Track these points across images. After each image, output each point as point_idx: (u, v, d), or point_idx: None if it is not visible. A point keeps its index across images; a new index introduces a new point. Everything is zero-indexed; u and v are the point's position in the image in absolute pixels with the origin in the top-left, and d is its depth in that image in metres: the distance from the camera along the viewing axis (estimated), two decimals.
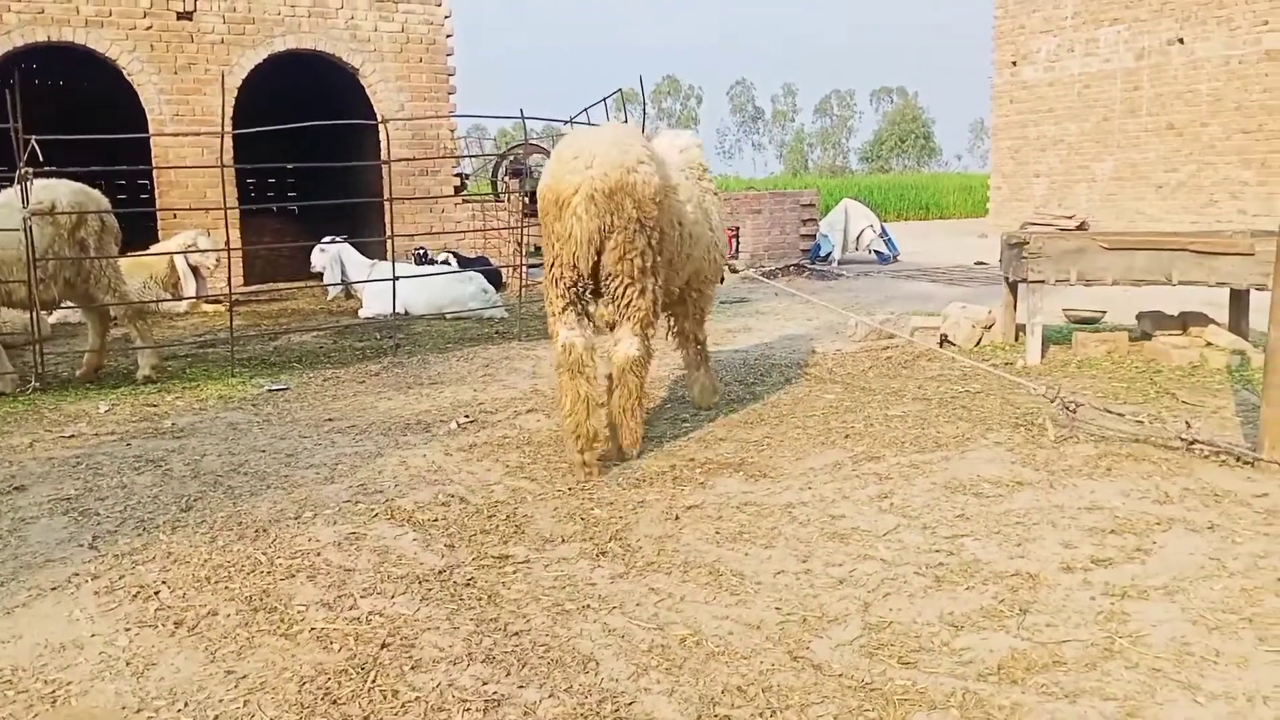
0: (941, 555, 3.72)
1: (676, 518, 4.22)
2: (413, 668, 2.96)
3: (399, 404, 6.60)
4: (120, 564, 3.82)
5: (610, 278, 4.86)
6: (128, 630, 3.26)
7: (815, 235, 16.32)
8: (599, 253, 4.79)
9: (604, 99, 11.25)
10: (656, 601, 3.40)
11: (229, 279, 8.90)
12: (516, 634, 3.17)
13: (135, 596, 3.52)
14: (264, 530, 4.15)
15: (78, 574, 3.74)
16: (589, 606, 3.37)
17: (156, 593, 3.55)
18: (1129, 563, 3.61)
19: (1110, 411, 5.26)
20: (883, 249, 16.82)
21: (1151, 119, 20.49)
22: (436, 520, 4.25)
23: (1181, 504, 4.20)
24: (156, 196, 13.35)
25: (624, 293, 4.89)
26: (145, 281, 12.49)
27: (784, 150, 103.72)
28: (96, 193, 7.52)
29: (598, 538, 4.00)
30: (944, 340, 8.16)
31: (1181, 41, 19.72)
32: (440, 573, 3.67)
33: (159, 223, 13.24)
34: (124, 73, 12.83)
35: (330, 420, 6.16)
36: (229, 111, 12.91)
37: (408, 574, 3.67)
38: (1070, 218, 21.31)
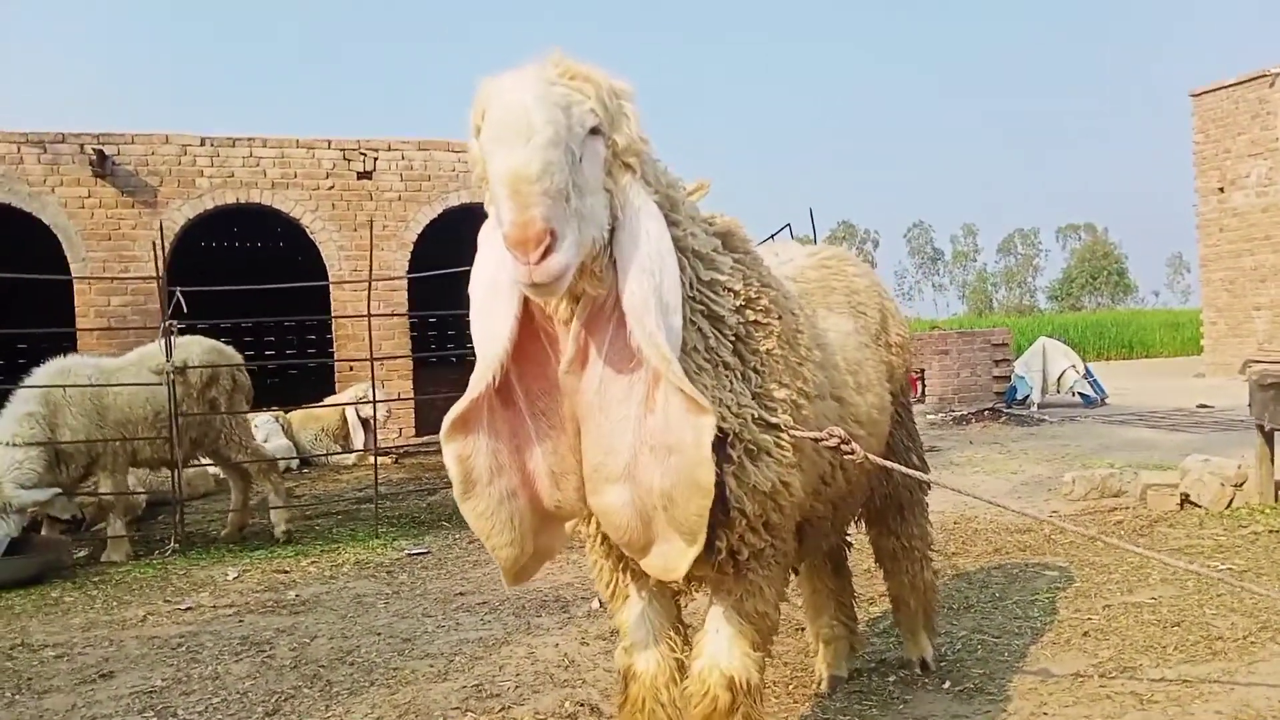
0: None
1: None
2: None
3: (540, 573, 5.85)
4: None
5: None
6: None
7: (1010, 376, 14.96)
8: None
9: (772, 235, 10.64)
10: None
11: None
12: None
13: None
14: None
15: None
16: None
17: None
18: None
19: None
20: (1088, 390, 15.23)
21: None
22: None
23: None
24: (335, 349, 13.49)
25: None
26: (316, 434, 12.48)
27: (966, 290, 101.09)
28: (230, 349, 7.36)
29: None
30: (1185, 501, 6.82)
31: None
32: None
33: (335, 374, 13.37)
34: (306, 230, 13.22)
35: (461, 595, 5.46)
36: (405, 266, 13.13)
37: None
38: None
